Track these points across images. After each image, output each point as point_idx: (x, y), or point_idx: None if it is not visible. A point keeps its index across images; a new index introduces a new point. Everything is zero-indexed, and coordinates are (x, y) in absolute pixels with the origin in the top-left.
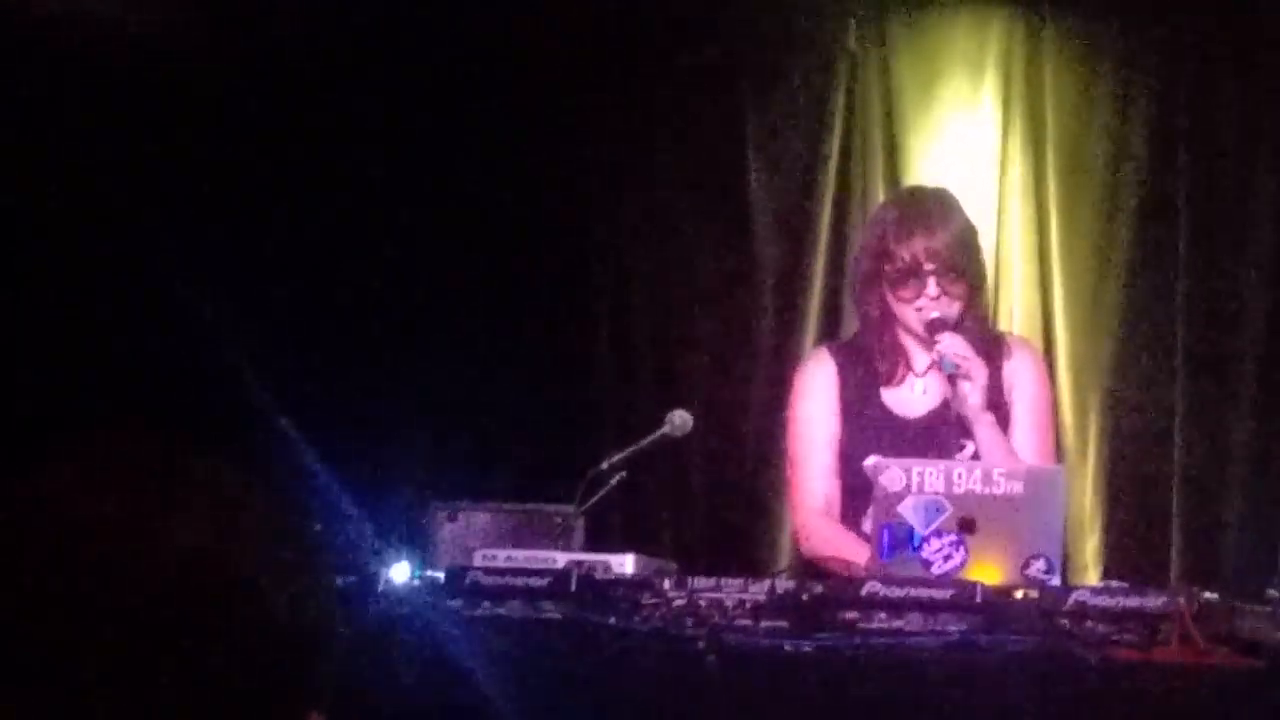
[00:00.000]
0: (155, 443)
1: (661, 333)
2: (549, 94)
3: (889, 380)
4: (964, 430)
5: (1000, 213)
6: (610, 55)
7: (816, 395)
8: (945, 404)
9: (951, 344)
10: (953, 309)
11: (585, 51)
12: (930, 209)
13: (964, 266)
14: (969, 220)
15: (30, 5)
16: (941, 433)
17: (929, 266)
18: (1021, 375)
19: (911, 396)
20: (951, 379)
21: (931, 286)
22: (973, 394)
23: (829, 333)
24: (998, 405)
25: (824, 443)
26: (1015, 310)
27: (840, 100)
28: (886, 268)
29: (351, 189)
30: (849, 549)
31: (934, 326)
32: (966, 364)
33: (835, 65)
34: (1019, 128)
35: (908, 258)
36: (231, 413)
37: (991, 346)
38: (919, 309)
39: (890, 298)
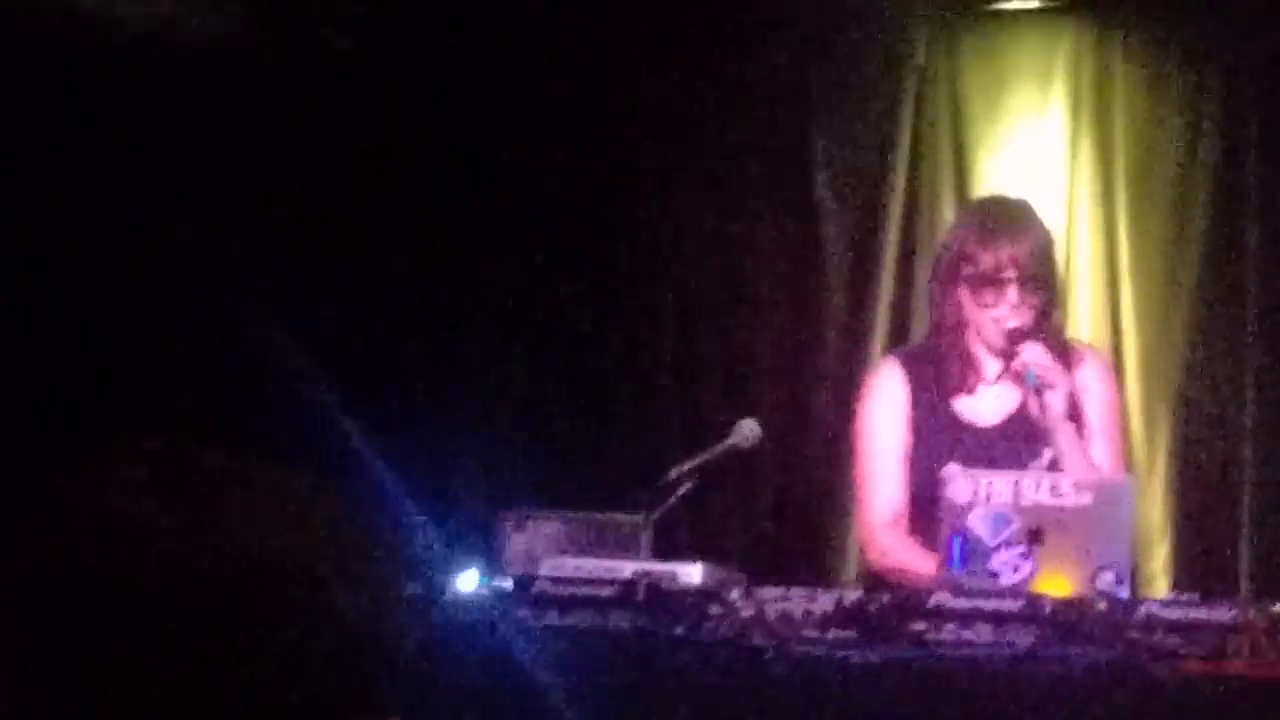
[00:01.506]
0: (225, 449)
1: (729, 342)
2: (621, 104)
3: (960, 388)
4: (1039, 438)
5: (1069, 222)
6: (679, 66)
7: (885, 405)
8: (1019, 412)
9: (1034, 354)
10: (1030, 318)
11: (655, 62)
12: (1015, 217)
13: (1044, 277)
14: (1049, 232)
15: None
16: (1016, 441)
17: (1010, 274)
18: (1092, 384)
19: (984, 404)
20: (1038, 390)
21: (1013, 294)
22: (1056, 403)
23: (896, 342)
24: (1074, 414)
25: (893, 454)
26: (1084, 319)
27: (908, 111)
28: (967, 272)
29: (420, 198)
30: (916, 562)
31: (1014, 336)
32: (1050, 374)
33: (903, 76)
34: (1087, 137)
35: (991, 263)
36: (302, 420)
37: (1065, 355)
38: (997, 318)
39: (968, 303)
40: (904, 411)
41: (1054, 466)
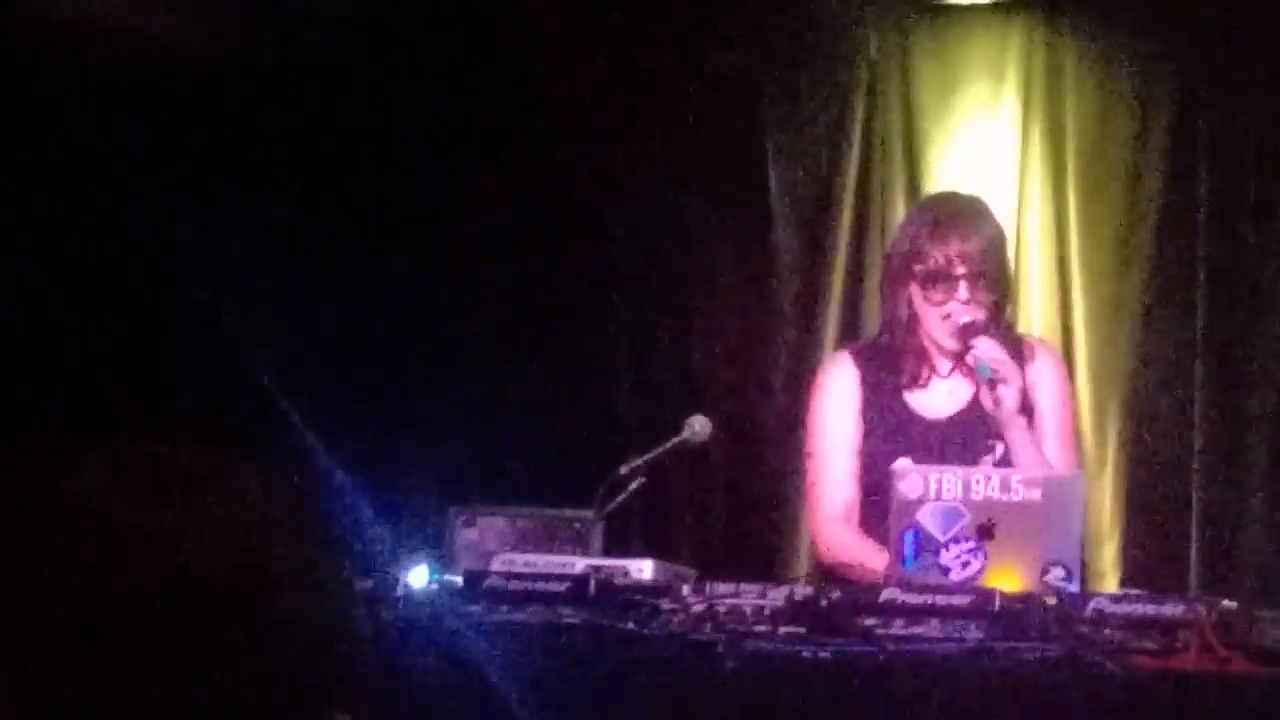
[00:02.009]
0: (179, 446)
1: (681, 338)
2: (573, 102)
3: (913, 382)
4: (990, 432)
5: (1020, 218)
6: (631, 65)
7: (837, 399)
8: (970, 406)
9: (987, 349)
10: (982, 314)
11: (606, 60)
12: (965, 214)
13: (995, 273)
14: (1001, 228)
15: (55, 7)
16: (968, 434)
17: (961, 270)
18: (1045, 380)
19: (936, 399)
20: (991, 384)
21: (962, 290)
22: (1009, 398)
23: (848, 337)
24: (1026, 408)
25: (844, 447)
26: (1035, 316)
27: (860, 107)
28: (918, 268)
29: (371, 194)
30: (867, 556)
31: (966, 331)
32: (1003, 368)
33: (855, 72)
34: (1039, 133)
35: (941, 260)
36: (253, 417)
37: (1017, 350)
38: (948, 314)
39: (919, 299)
40: (855, 404)
41: (1005, 461)
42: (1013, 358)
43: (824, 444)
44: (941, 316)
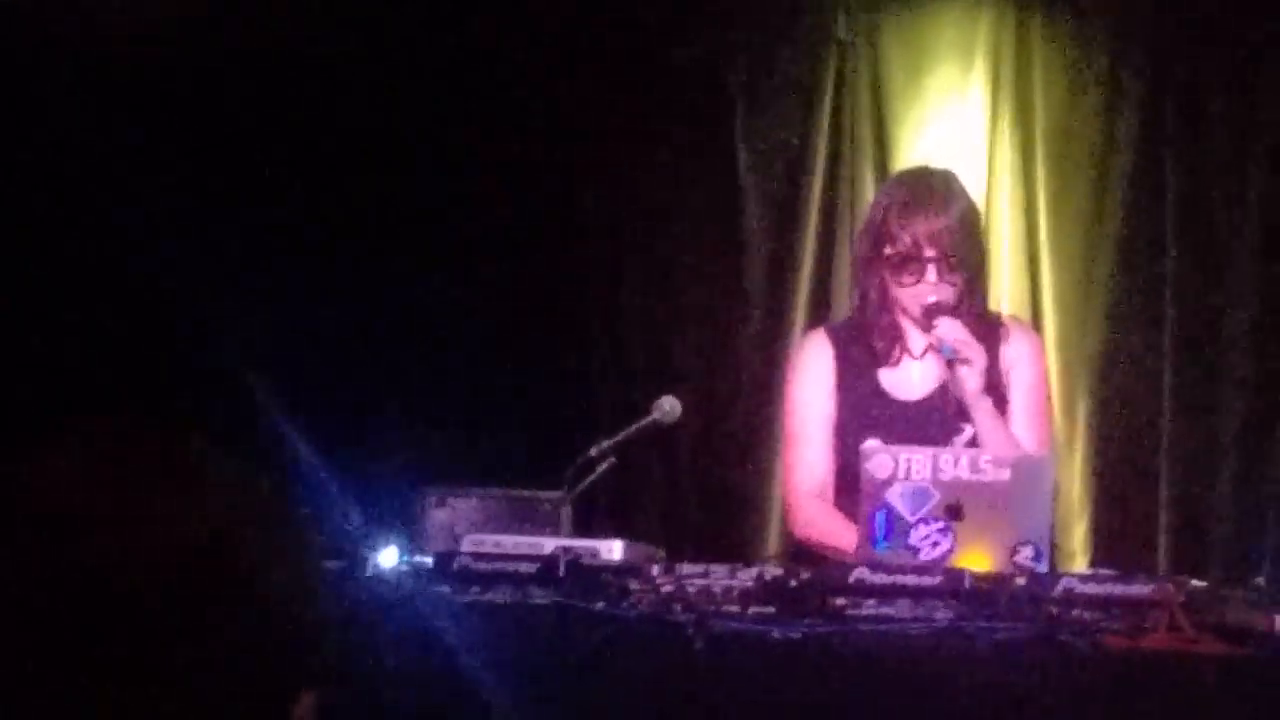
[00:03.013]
0: (146, 430)
1: (651, 319)
2: (540, 83)
3: (886, 362)
4: (961, 413)
5: (989, 201)
6: (599, 45)
7: (812, 376)
8: (943, 387)
9: (950, 329)
10: (951, 294)
11: (574, 40)
12: (934, 191)
13: (964, 252)
14: (972, 203)
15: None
16: (939, 415)
17: (929, 252)
18: (1020, 359)
19: (908, 379)
20: (950, 364)
21: (930, 272)
22: (971, 378)
23: (818, 317)
24: (995, 388)
25: (819, 423)
26: (1004, 297)
27: (829, 89)
28: (887, 250)
29: (341, 180)
30: (839, 533)
31: (931, 311)
32: (965, 349)
33: (824, 54)
34: (1008, 116)
35: (908, 241)
36: (221, 399)
37: (990, 330)
38: (916, 294)
39: (890, 279)
40: (830, 382)
41: (975, 442)
42: (986, 337)
43: (799, 421)
44: (911, 297)
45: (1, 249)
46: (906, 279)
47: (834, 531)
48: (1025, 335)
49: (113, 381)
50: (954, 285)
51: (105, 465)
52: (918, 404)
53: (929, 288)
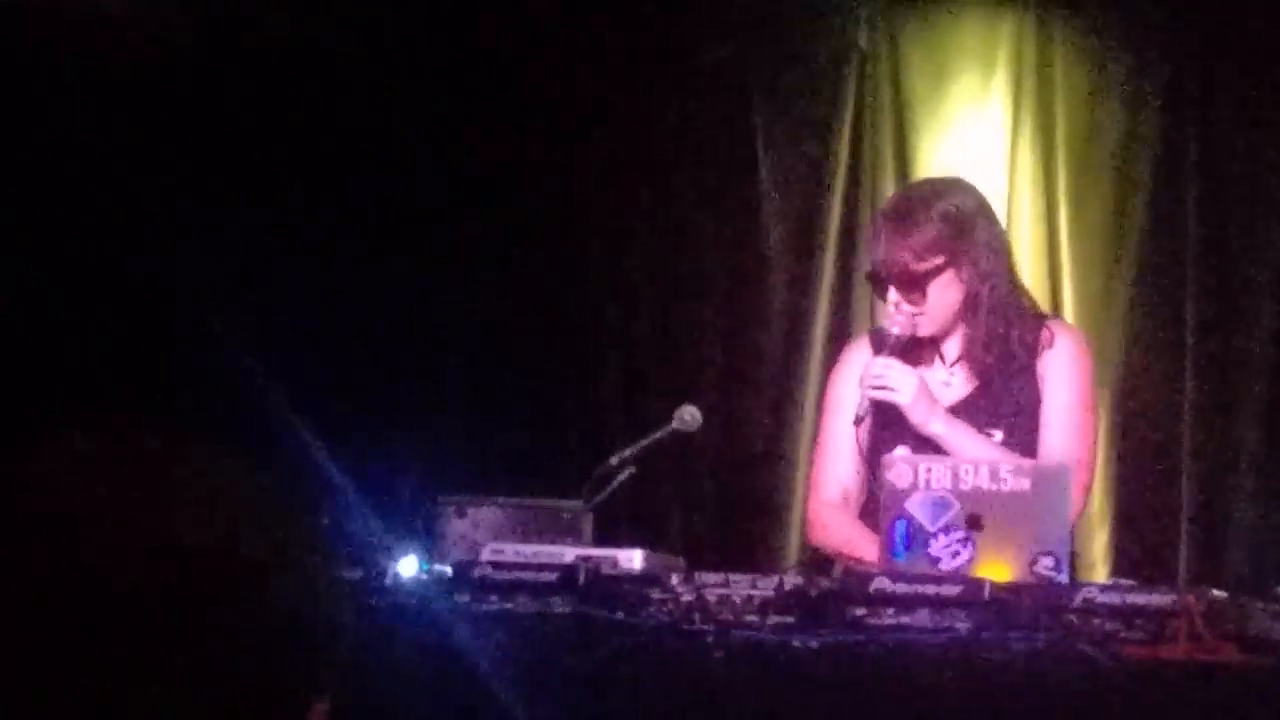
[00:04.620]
0: (161, 434)
1: (672, 329)
2: (561, 91)
3: (917, 366)
4: (992, 420)
5: (1010, 207)
6: (621, 53)
7: (848, 380)
8: (972, 395)
9: (876, 365)
10: (910, 321)
11: (596, 49)
12: (899, 215)
13: (925, 277)
14: (955, 215)
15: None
16: (967, 422)
17: (886, 276)
18: (1054, 367)
19: (938, 386)
20: (876, 404)
21: (891, 294)
22: (909, 405)
23: (838, 330)
24: (1021, 406)
25: (848, 431)
26: None
27: (850, 97)
28: (866, 268)
29: (358, 184)
30: (857, 543)
31: (876, 340)
32: (882, 380)
33: (845, 62)
34: (1029, 124)
35: (875, 265)
36: (241, 406)
37: (1033, 335)
38: (888, 314)
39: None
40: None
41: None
42: (1002, 349)
43: (831, 425)
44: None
45: (2, 249)
46: (882, 301)
47: (851, 540)
48: (1067, 342)
49: (122, 386)
50: (918, 311)
51: (112, 466)
52: (952, 407)
53: (892, 311)
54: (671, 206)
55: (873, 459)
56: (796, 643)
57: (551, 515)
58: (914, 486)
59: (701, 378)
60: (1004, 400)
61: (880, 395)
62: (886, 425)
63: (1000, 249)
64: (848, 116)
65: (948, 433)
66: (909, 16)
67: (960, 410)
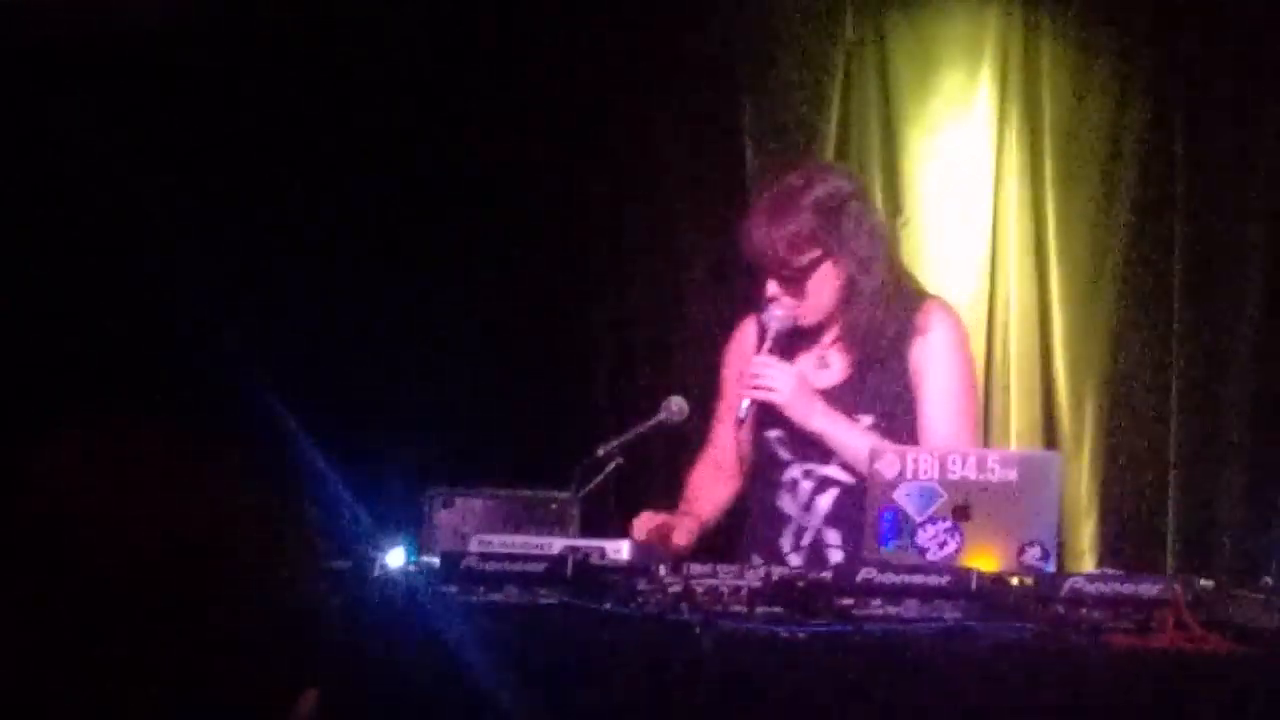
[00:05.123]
0: (150, 429)
1: (658, 320)
2: (545, 82)
3: (799, 350)
4: (860, 405)
5: (997, 203)
6: (606, 45)
7: (730, 363)
8: (846, 381)
9: (755, 364)
10: (796, 313)
11: (580, 41)
12: (777, 205)
13: (803, 271)
14: (833, 200)
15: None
16: (840, 406)
17: (757, 265)
18: (929, 353)
19: (814, 372)
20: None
21: (771, 286)
22: (788, 403)
23: None
24: (892, 393)
25: (729, 405)
26: (1011, 298)
27: (837, 90)
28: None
29: (346, 179)
30: (694, 495)
31: (775, 338)
32: (759, 380)
33: (832, 55)
34: (1015, 118)
35: (747, 256)
36: (227, 399)
37: (906, 323)
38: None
39: None
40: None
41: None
42: (898, 333)
43: (719, 397)
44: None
45: (2, 248)
46: (757, 292)
47: (692, 491)
48: (940, 324)
49: (114, 381)
50: (798, 304)
51: (101, 461)
52: (825, 392)
53: (770, 306)
54: (659, 197)
55: (755, 434)
56: (784, 633)
57: (539, 506)
58: (901, 476)
59: (688, 368)
60: (875, 386)
61: (759, 395)
62: (764, 406)
63: (877, 233)
64: (834, 108)
65: (827, 427)
66: (896, 9)
67: (833, 395)
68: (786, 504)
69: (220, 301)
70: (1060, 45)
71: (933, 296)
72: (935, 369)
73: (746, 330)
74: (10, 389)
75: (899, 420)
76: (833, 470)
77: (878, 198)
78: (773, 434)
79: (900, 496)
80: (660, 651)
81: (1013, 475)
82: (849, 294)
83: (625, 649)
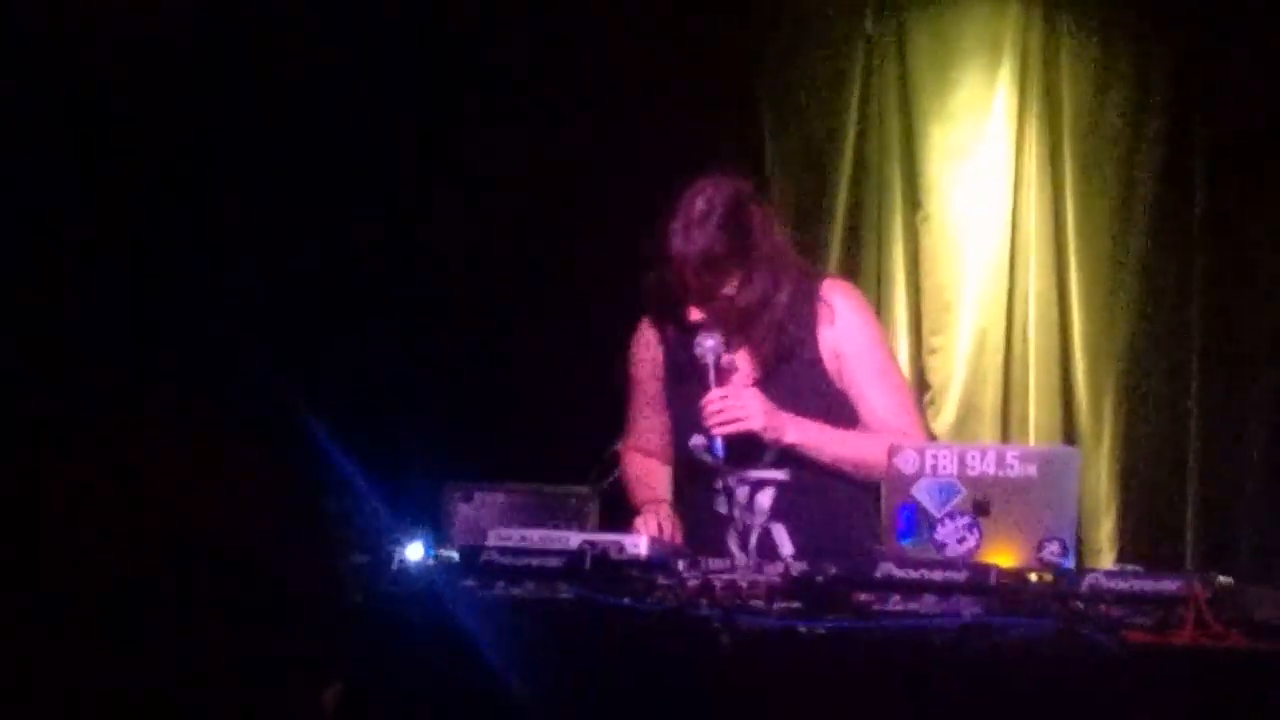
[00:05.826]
0: (172, 423)
1: None
2: (572, 75)
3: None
4: (777, 402)
5: (1016, 195)
6: (626, 40)
7: (641, 348)
8: (757, 382)
9: (711, 404)
10: (728, 341)
11: (600, 35)
12: (687, 237)
13: (727, 299)
14: (735, 212)
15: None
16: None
17: (685, 301)
18: (844, 336)
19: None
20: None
21: (693, 315)
22: (762, 428)
23: None
24: (805, 385)
25: (652, 397)
26: (1031, 293)
27: (857, 85)
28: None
29: (365, 171)
30: (641, 483)
31: (716, 373)
32: (726, 414)
33: (853, 50)
34: (1035, 112)
35: (667, 287)
36: (248, 393)
37: (812, 314)
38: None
39: None
40: (655, 346)
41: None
42: (803, 323)
43: (633, 394)
44: None
45: (9, 248)
46: (678, 324)
47: (638, 479)
48: (845, 305)
49: (132, 373)
50: (725, 333)
51: (127, 457)
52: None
53: (700, 338)
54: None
55: (677, 419)
56: (803, 629)
57: (557, 500)
58: (920, 472)
59: None
60: (787, 382)
61: (736, 428)
62: (682, 380)
63: (772, 225)
64: (854, 103)
65: (802, 437)
66: (916, 5)
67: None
68: (724, 507)
69: (238, 289)
70: (1080, 42)
71: (823, 274)
72: (857, 349)
73: (646, 327)
74: (26, 390)
75: (813, 411)
76: (766, 472)
77: (897, 194)
78: (697, 442)
79: (919, 492)
80: (678, 646)
81: (1032, 471)
82: (764, 304)
83: (643, 644)
